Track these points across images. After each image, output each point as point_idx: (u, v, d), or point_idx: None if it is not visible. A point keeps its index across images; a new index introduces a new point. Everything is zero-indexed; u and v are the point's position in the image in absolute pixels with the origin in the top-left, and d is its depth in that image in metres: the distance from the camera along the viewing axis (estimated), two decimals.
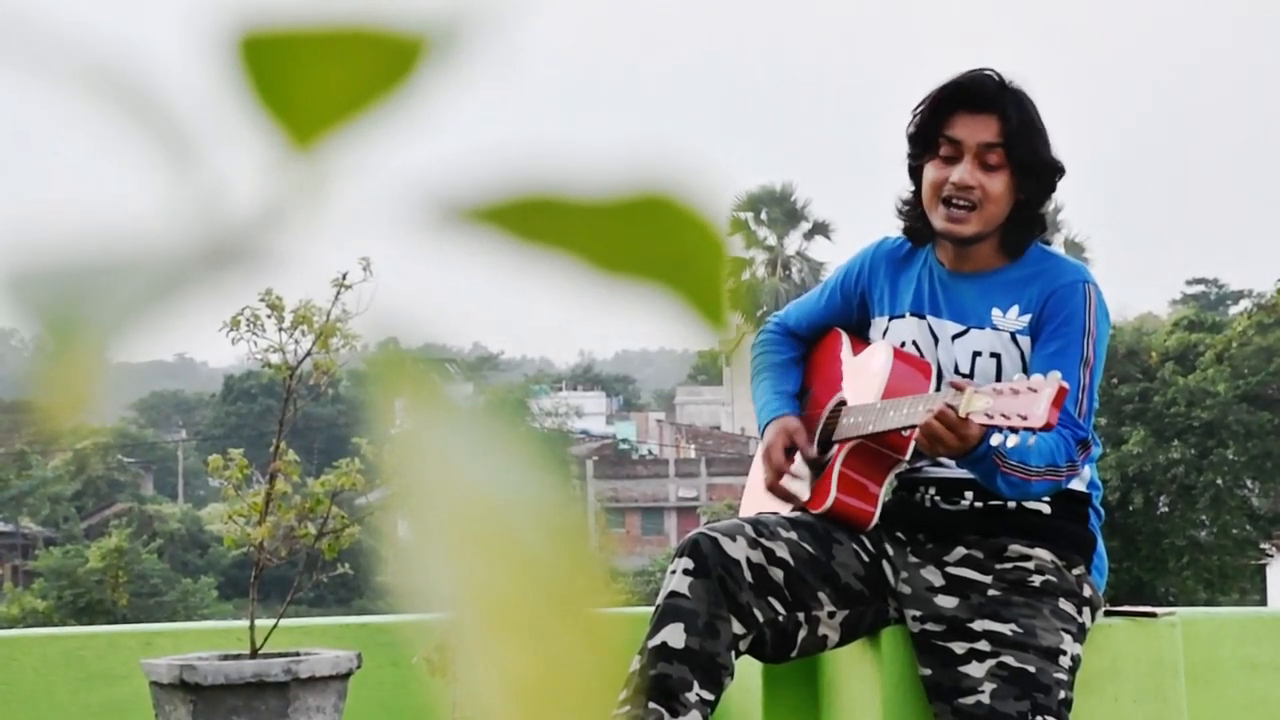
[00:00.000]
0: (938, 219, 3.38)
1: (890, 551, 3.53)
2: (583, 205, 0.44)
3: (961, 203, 3.34)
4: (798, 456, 3.58)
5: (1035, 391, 3.02)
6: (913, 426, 3.28)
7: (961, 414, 3.09)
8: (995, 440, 3.08)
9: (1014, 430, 3.02)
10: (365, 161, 0.44)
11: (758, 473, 3.84)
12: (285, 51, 0.43)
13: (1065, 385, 3.02)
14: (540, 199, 0.43)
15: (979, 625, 3.35)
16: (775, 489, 3.55)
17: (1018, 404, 3.03)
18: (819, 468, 3.55)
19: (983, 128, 3.35)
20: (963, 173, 3.33)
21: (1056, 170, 3.40)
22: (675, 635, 3.29)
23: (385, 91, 0.43)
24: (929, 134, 3.38)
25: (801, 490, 3.56)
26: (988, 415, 3.06)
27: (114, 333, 0.39)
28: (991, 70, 3.39)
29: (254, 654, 3.76)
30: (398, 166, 0.45)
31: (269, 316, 3.86)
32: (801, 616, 3.43)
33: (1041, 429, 3.01)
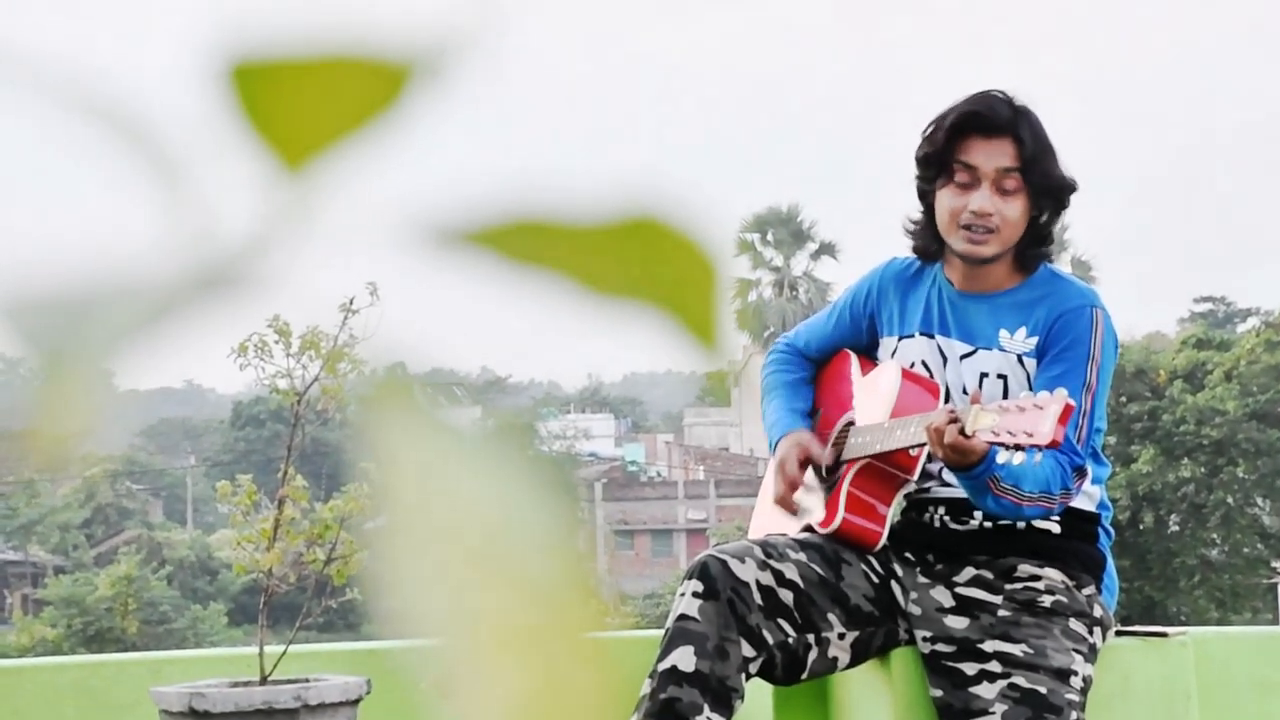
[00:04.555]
0: (957, 242, 3.37)
1: (899, 572, 3.52)
2: (574, 229, 0.44)
3: (980, 228, 3.34)
4: (808, 475, 3.58)
5: (1041, 409, 3.02)
6: (919, 445, 3.28)
7: (968, 431, 3.09)
8: (1001, 458, 3.07)
9: (1020, 448, 3.02)
10: (356, 184, 0.44)
11: (767, 493, 3.84)
12: (276, 78, 0.43)
13: (1071, 402, 3.02)
14: (531, 223, 0.44)
15: (990, 646, 3.34)
16: (784, 502, 3.54)
17: (1024, 421, 3.03)
18: (829, 487, 3.55)
19: (999, 153, 3.35)
20: (982, 200, 3.33)
21: (1070, 187, 3.40)
22: (685, 658, 3.29)
23: (374, 115, 0.43)
24: (943, 159, 3.37)
25: (813, 506, 3.56)
26: (994, 432, 3.05)
27: (107, 357, 0.39)
28: (1000, 92, 3.40)
29: (263, 681, 3.76)
30: (389, 189, 0.46)
31: (277, 342, 3.86)
32: (811, 638, 3.42)
33: (1048, 446, 3.01)
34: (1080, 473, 3.27)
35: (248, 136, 0.43)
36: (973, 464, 3.14)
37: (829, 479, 3.56)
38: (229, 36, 0.43)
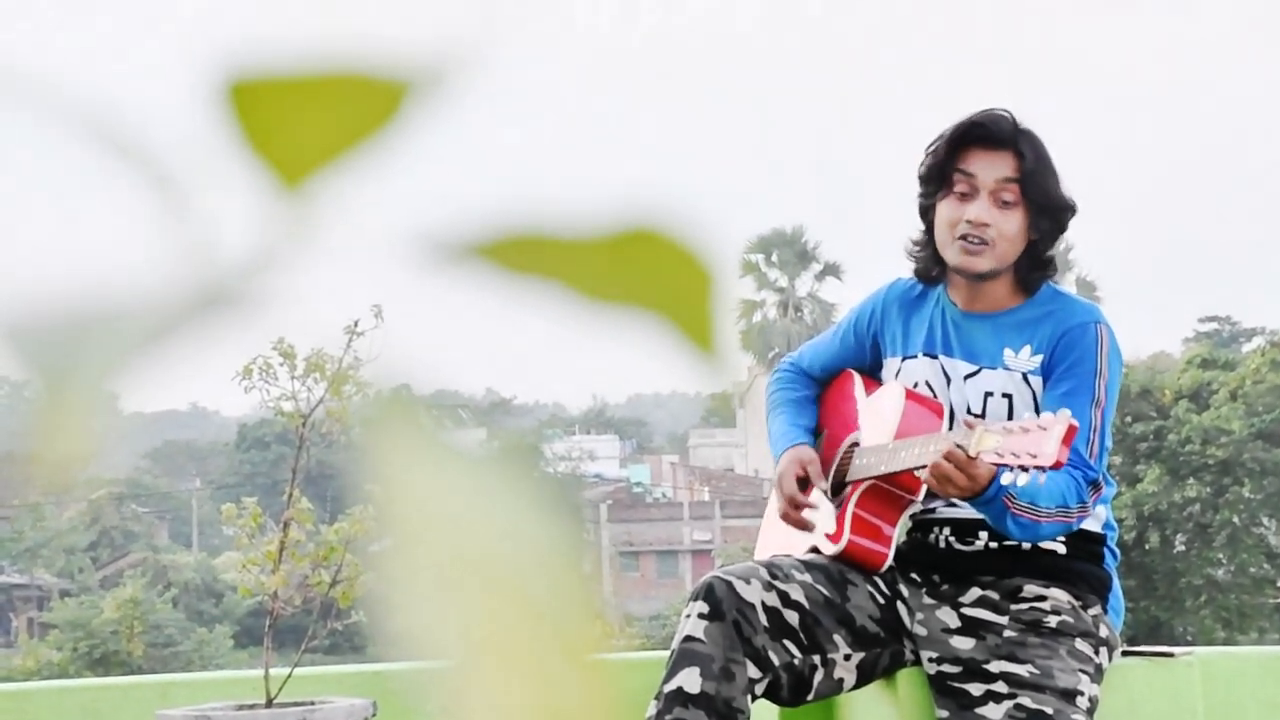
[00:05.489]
0: (952, 254, 3.38)
1: (905, 593, 3.52)
2: (572, 242, 0.44)
3: (976, 239, 3.35)
4: (815, 493, 3.58)
5: (1045, 430, 3.02)
6: (924, 466, 3.28)
7: (971, 453, 3.09)
8: (1006, 479, 3.07)
9: (1024, 469, 3.02)
10: (355, 201, 0.44)
11: (773, 514, 3.84)
12: (274, 96, 0.43)
13: (1075, 423, 3.02)
14: (530, 236, 0.44)
15: (995, 666, 3.34)
16: (788, 518, 3.54)
17: (1027, 442, 3.03)
18: (834, 508, 3.55)
19: (999, 163, 3.36)
20: (979, 210, 3.34)
21: (1069, 208, 3.41)
22: (691, 680, 3.28)
23: (372, 131, 0.43)
24: (944, 171, 3.38)
25: (818, 527, 3.56)
26: (998, 454, 3.05)
27: (109, 378, 0.39)
28: (1004, 110, 3.41)
29: (269, 703, 3.75)
30: (388, 205, 0.46)
31: (281, 365, 3.87)
32: (817, 659, 3.42)
33: (1051, 467, 3.01)
34: (1095, 486, 3.27)
35: (246, 155, 0.43)
36: (982, 489, 3.14)
37: (834, 500, 3.56)
38: (226, 55, 0.43)
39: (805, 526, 3.55)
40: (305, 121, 0.43)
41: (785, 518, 3.56)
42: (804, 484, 3.56)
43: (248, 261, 0.42)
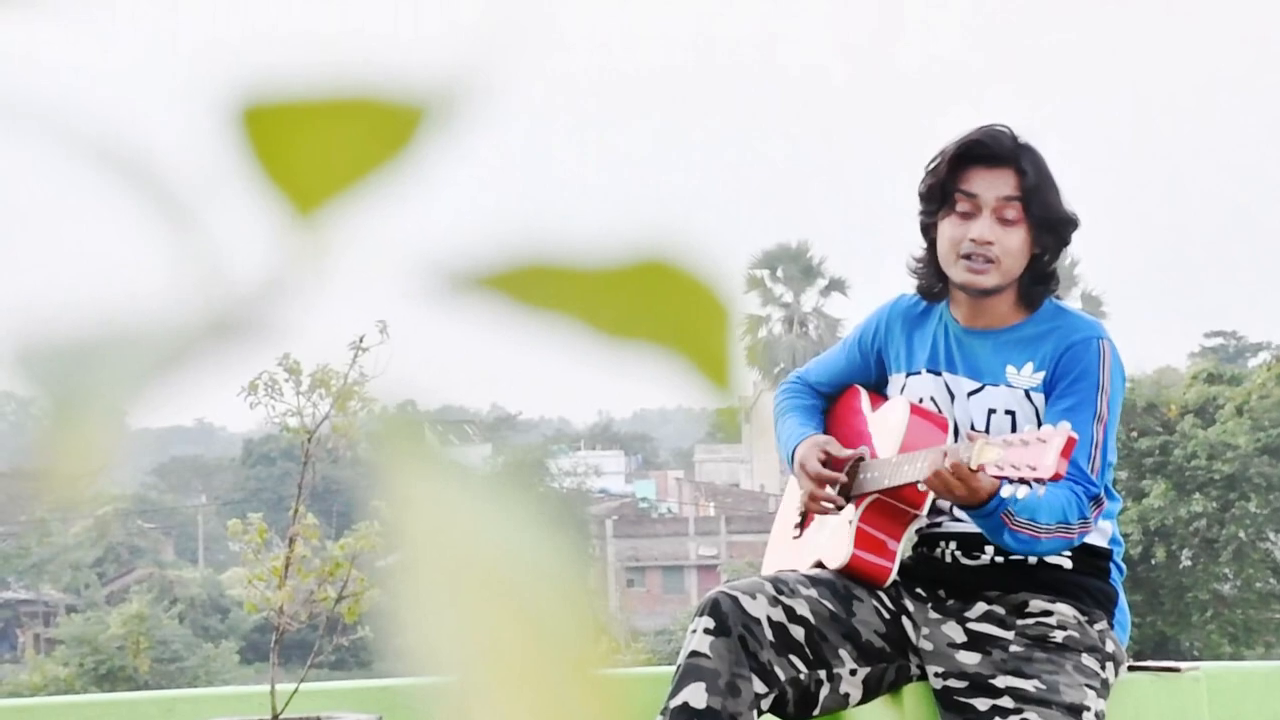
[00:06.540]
0: (956, 272, 3.38)
1: (911, 608, 3.52)
2: (584, 272, 0.44)
3: (980, 258, 3.35)
4: (819, 517, 3.58)
5: (1044, 442, 3.03)
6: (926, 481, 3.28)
7: (973, 465, 3.09)
8: (1006, 492, 3.08)
9: (1024, 481, 3.02)
10: (368, 228, 0.44)
11: (779, 529, 3.84)
12: (288, 121, 0.43)
13: (1074, 436, 3.02)
14: (541, 267, 0.44)
15: (1002, 681, 3.34)
16: (815, 499, 3.50)
17: (1027, 455, 3.03)
18: (838, 523, 3.55)
19: (1000, 182, 3.36)
20: (983, 229, 3.34)
21: (1072, 223, 3.41)
22: (697, 695, 3.28)
23: (386, 158, 0.44)
24: (945, 189, 3.38)
25: (823, 541, 3.56)
26: (998, 466, 3.06)
27: (118, 400, 0.39)
28: (1004, 126, 3.41)
29: (275, 719, 3.75)
30: (400, 232, 0.46)
31: (287, 380, 3.87)
32: (823, 674, 3.41)
33: (1050, 479, 3.01)
34: (1097, 502, 3.27)
35: (259, 180, 0.44)
36: (982, 501, 3.14)
37: (838, 514, 3.56)
38: (240, 80, 0.44)
39: (833, 501, 3.47)
40: (318, 147, 0.43)
41: (812, 499, 3.50)
42: (827, 464, 3.51)
43: (259, 286, 0.42)
